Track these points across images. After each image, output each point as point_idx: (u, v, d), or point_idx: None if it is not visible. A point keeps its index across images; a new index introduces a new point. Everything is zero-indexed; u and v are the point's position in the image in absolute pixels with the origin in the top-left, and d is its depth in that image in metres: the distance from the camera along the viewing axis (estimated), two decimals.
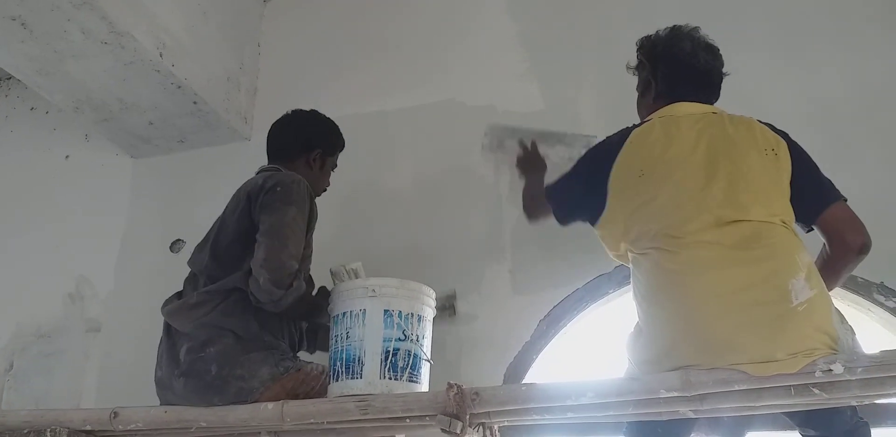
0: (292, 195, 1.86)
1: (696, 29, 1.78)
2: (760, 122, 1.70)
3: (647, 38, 1.83)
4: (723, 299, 1.46)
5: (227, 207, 2.01)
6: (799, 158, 1.62)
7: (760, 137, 1.63)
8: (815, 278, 1.51)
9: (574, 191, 1.75)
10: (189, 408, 1.76)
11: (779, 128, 1.69)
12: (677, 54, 1.76)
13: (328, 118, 2.18)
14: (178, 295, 1.98)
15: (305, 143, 2.09)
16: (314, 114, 2.18)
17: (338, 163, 2.21)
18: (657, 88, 1.78)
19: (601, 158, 1.70)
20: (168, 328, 1.93)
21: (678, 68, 1.76)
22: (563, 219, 1.80)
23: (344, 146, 2.21)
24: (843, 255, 1.60)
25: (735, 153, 1.60)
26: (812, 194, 1.60)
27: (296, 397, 1.79)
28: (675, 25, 1.80)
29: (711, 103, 1.77)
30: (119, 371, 2.56)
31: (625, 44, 2.47)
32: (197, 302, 1.86)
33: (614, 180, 1.65)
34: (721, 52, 1.80)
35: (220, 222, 1.98)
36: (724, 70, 1.80)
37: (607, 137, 1.75)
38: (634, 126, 1.74)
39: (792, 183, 1.60)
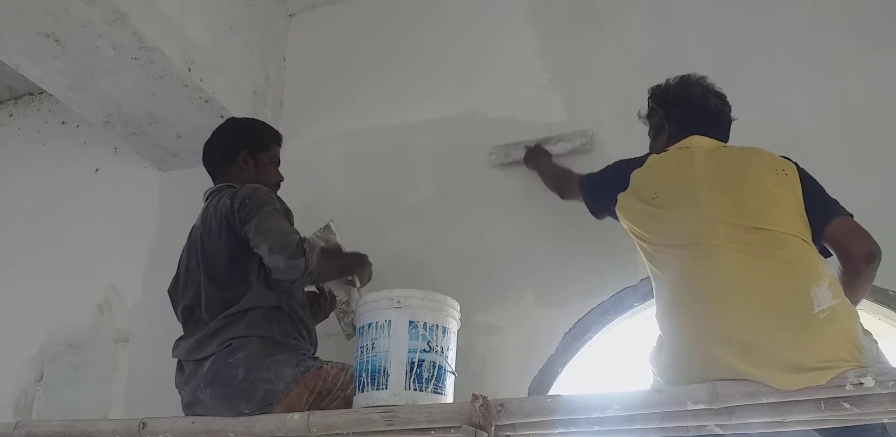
0: (258, 199, 1.93)
1: (704, 77, 1.90)
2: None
3: (658, 86, 1.95)
4: (745, 303, 1.50)
5: (196, 235, 2.02)
6: (807, 180, 1.69)
7: (770, 160, 1.72)
8: (838, 288, 1.53)
9: (599, 189, 1.92)
10: (216, 419, 1.78)
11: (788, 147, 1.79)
12: (689, 97, 1.88)
13: (243, 119, 2.26)
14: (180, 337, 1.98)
15: (226, 151, 2.14)
16: (228, 121, 2.29)
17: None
18: (670, 130, 1.89)
19: (622, 171, 1.83)
20: (183, 363, 1.93)
21: (690, 110, 1.87)
22: (593, 211, 1.96)
23: (276, 137, 2.22)
24: (852, 265, 1.62)
25: (748, 172, 1.68)
26: (817, 211, 1.65)
27: (318, 395, 1.82)
28: (684, 75, 1.92)
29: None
30: (147, 381, 2.58)
31: (645, 54, 2.51)
32: (219, 327, 1.86)
33: (626, 197, 1.78)
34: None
35: (200, 253, 1.97)
36: (732, 115, 1.90)
37: (633, 158, 1.87)
38: (655, 153, 1.86)
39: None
